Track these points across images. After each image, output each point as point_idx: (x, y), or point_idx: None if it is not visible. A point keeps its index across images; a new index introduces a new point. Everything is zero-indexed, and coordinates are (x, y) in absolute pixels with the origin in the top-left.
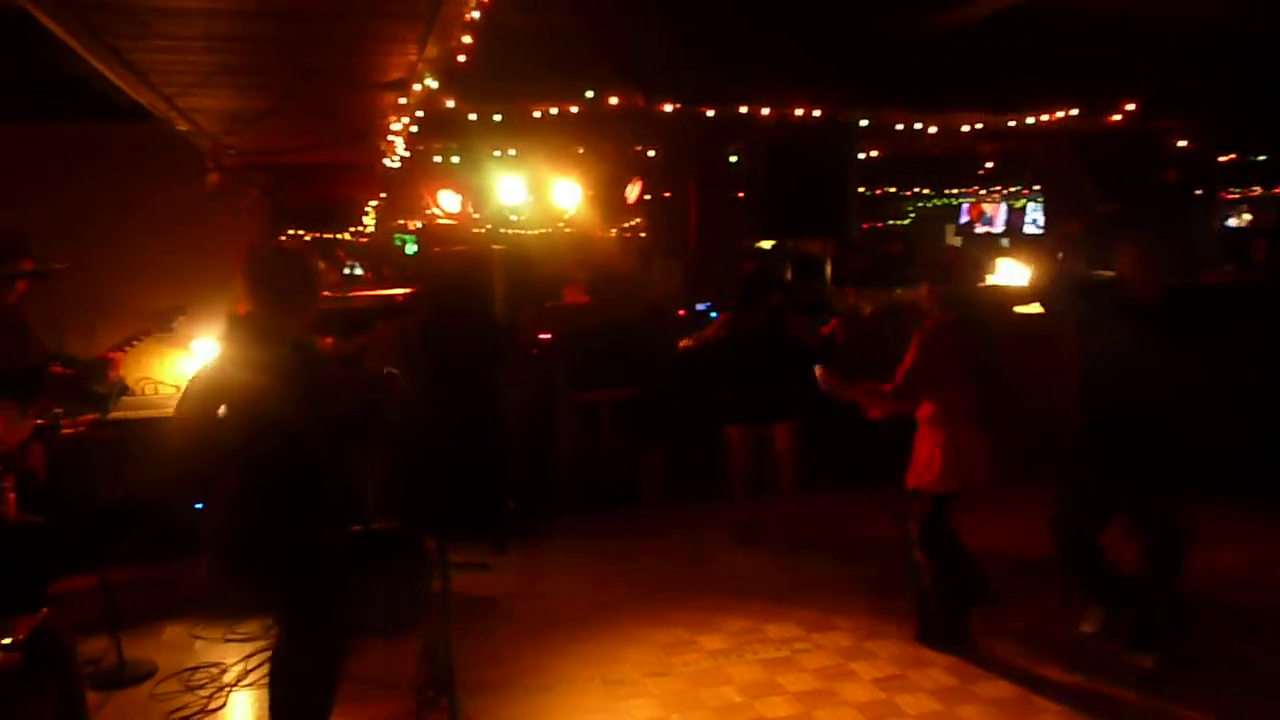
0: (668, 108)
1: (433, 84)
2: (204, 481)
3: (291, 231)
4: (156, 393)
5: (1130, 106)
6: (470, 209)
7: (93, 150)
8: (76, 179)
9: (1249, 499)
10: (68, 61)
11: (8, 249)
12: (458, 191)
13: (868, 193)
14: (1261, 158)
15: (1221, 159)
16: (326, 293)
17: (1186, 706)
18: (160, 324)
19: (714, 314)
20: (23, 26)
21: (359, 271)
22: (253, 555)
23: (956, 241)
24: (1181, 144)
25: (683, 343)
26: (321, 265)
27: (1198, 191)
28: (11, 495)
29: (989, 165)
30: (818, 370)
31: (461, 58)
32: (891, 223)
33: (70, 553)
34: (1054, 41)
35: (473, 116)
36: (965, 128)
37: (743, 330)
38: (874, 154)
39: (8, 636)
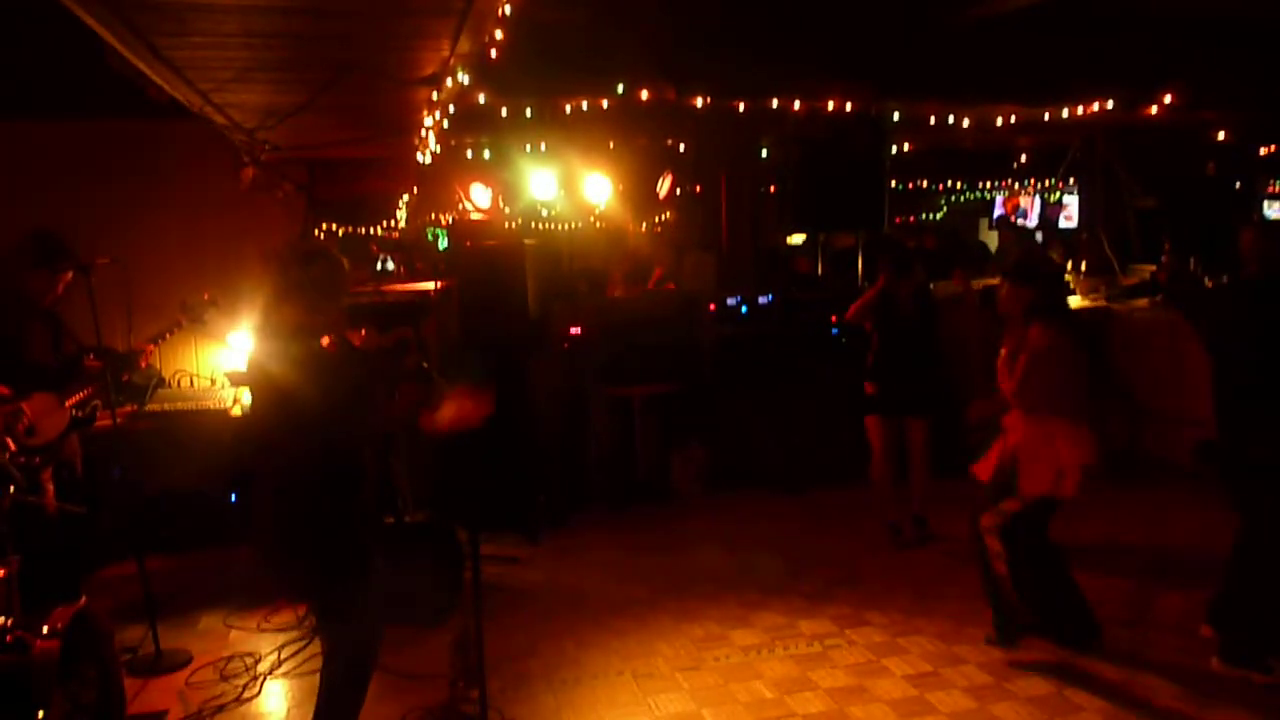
0: (699, 101)
1: (465, 79)
2: (243, 473)
3: (325, 226)
4: (192, 385)
5: (1169, 98)
6: (501, 203)
7: (131, 146)
8: (115, 174)
9: None
10: (106, 58)
11: (50, 253)
12: (489, 186)
13: (900, 186)
14: None
15: (1262, 151)
16: (358, 288)
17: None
18: (190, 317)
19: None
20: (61, 23)
21: (390, 266)
22: (290, 547)
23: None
24: (1220, 136)
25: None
26: (345, 262)
27: (1237, 184)
28: (50, 486)
29: (1023, 158)
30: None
31: (494, 53)
32: (925, 216)
33: (108, 542)
34: (1091, 33)
35: (504, 111)
36: (1000, 120)
37: (896, 309)
38: (907, 147)
39: (47, 624)
